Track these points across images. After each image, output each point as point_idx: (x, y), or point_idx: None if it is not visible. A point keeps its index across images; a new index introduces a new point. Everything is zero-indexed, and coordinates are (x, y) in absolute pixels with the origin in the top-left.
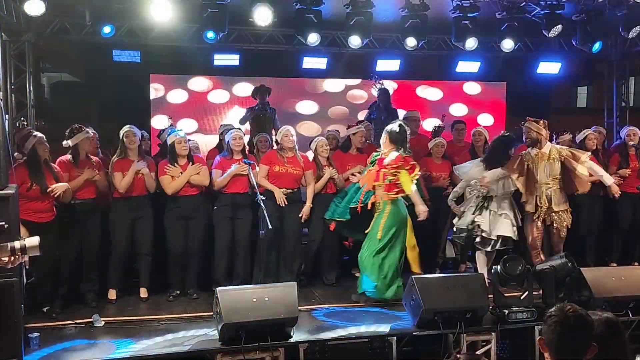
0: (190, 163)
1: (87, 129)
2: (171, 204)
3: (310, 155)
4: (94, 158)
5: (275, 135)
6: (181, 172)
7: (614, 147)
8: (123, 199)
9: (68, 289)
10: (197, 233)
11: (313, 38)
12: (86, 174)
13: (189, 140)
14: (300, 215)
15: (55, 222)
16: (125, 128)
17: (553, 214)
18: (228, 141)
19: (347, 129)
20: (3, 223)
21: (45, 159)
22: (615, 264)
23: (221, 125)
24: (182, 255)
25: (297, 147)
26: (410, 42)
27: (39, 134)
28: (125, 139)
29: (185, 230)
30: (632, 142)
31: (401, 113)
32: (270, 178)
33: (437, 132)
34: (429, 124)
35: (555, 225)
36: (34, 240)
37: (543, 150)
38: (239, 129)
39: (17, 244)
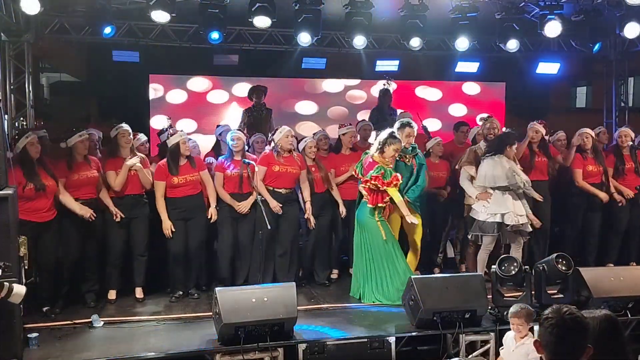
0: (190, 164)
1: (83, 131)
2: (170, 207)
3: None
4: (93, 159)
5: (272, 135)
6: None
7: (610, 148)
8: (117, 197)
9: (69, 288)
10: (196, 234)
11: (306, 38)
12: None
13: (189, 139)
14: (307, 217)
15: (55, 221)
16: (119, 126)
17: None
18: (228, 142)
19: (339, 128)
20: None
21: (39, 158)
22: (612, 265)
23: (217, 126)
24: (182, 255)
25: (294, 147)
26: (414, 42)
27: (32, 135)
28: (119, 138)
29: (184, 231)
30: (630, 143)
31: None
32: (270, 178)
33: (425, 130)
34: (428, 124)
35: None
36: (21, 290)
37: None
38: (239, 129)
39: (6, 284)
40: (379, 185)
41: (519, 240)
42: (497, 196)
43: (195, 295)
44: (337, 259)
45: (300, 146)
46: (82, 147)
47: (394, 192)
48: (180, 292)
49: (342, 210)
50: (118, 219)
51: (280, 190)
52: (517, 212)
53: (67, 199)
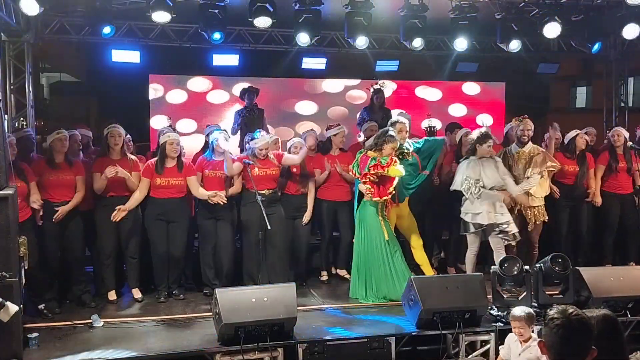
0: (178, 167)
1: (61, 130)
2: (151, 207)
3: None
4: (76, 162)
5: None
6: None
7: (604, 147)
8: (105, 198)
9: (58, 290)
10: (178, 237)
11: (305, 38)
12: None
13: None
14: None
15: (29, 221)
16: (110, 126)
17: (528, 210)
18: (212, 142)
19: (326, 130)
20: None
21: (14, 161)
22: (610, 265)
23: (207, 126)
24: (164, 257)
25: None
26: (416, 42)
27: (11, 137)
28: (109, 138)
29: (166, 233)
30: (630, 143)
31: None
32: (250, 181)
33: (431, 132)
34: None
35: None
36: (13, 309)
37: (524, 149)
38: (225, 130)
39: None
40: (380, 171)
41: (498, 242)
42: (471, 198)
43: (181, 296)
44: (325, 260)
45: (287, 145)
46: (59, 146)
47: (395, 170)
48: (166, 293)
49: (306, 217)
50: (56, 220)
51: (262, 192)
52: (497, 211)
53: (34, 201)
